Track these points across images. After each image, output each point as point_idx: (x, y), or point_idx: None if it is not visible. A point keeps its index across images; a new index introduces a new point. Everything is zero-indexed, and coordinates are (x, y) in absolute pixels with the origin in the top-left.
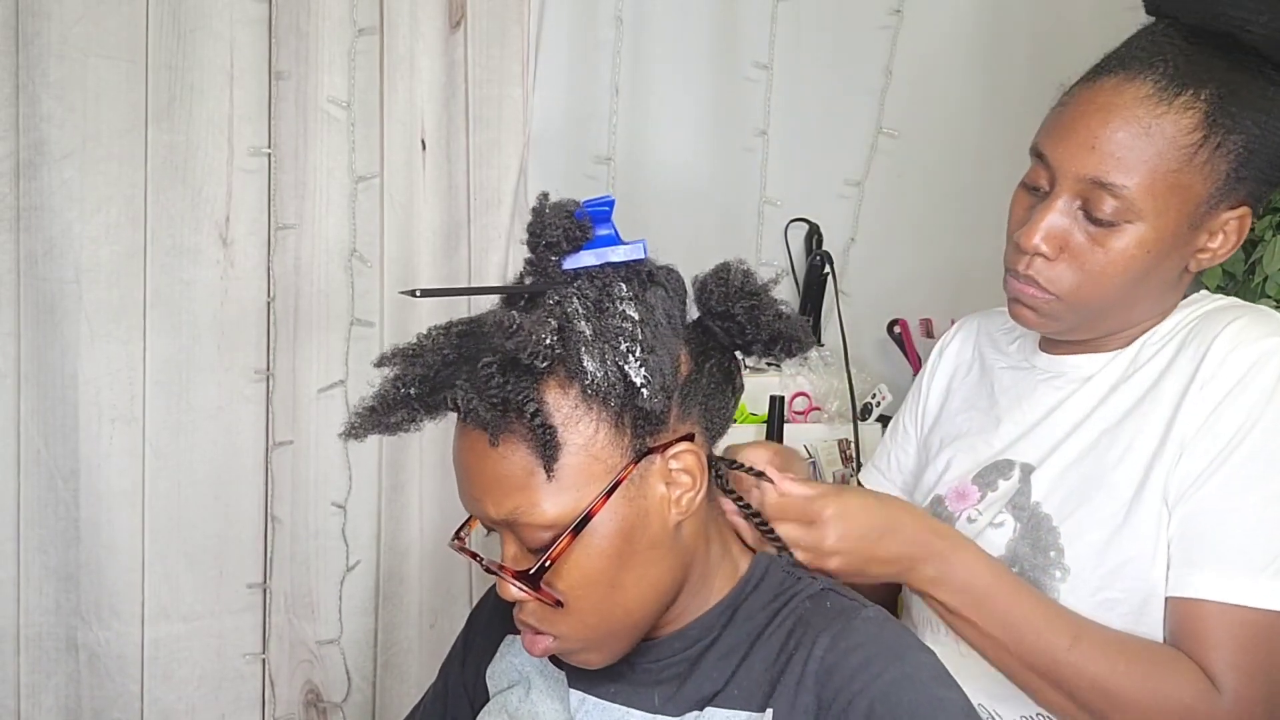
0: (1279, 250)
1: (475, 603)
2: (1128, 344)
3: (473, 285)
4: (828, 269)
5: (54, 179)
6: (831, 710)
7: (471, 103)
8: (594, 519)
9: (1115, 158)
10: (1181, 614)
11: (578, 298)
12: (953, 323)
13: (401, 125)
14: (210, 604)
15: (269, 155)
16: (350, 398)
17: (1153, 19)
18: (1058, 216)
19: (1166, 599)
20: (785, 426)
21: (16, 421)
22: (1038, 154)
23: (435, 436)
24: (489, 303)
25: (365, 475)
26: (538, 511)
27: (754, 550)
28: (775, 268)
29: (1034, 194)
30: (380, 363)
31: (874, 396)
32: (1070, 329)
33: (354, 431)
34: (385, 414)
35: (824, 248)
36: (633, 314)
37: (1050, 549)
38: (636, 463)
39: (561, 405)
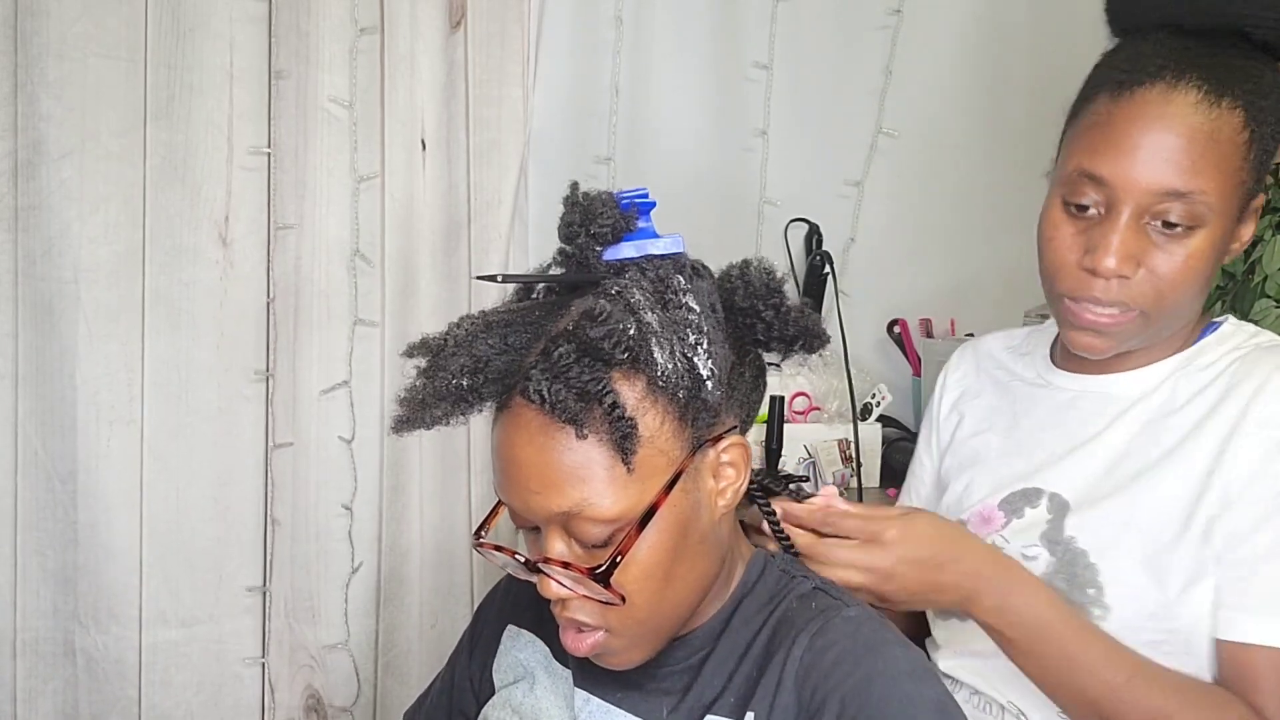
0: (1278, 250)
1: (476, 603)
2: (1150, 363)
3: (473, 290)
4: (828, 269)
5: (52, 178)
6: (808, 710)
7: (472, 103)
8: (657, 512)
9: (1192, 168)
10: (1232, 657)
11: (637, 289)
12: (953, 323)
13: (402, 125)
14: (209, 608)
15: (269, 155)
16: (354, 398)
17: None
18: (1128, 234)
19: (1216, 641)
20: (785, 426)
21: (14, 422)
22: (1089, 175)
23: (435, 438)
24: (486, 300)
25: (366, 477)
26: (604, 505)
27: (755, 546)
28: (776, 267)
29: (1079, 214)
30: (409, 353)
31: (874, 396)
32: (1131, 345)
33: (400, 427)
34: (432, 406)
35: (824, 248)
36: (695, 306)
37: (1089, 586)
38: (694, 455)
39: (629, 397)
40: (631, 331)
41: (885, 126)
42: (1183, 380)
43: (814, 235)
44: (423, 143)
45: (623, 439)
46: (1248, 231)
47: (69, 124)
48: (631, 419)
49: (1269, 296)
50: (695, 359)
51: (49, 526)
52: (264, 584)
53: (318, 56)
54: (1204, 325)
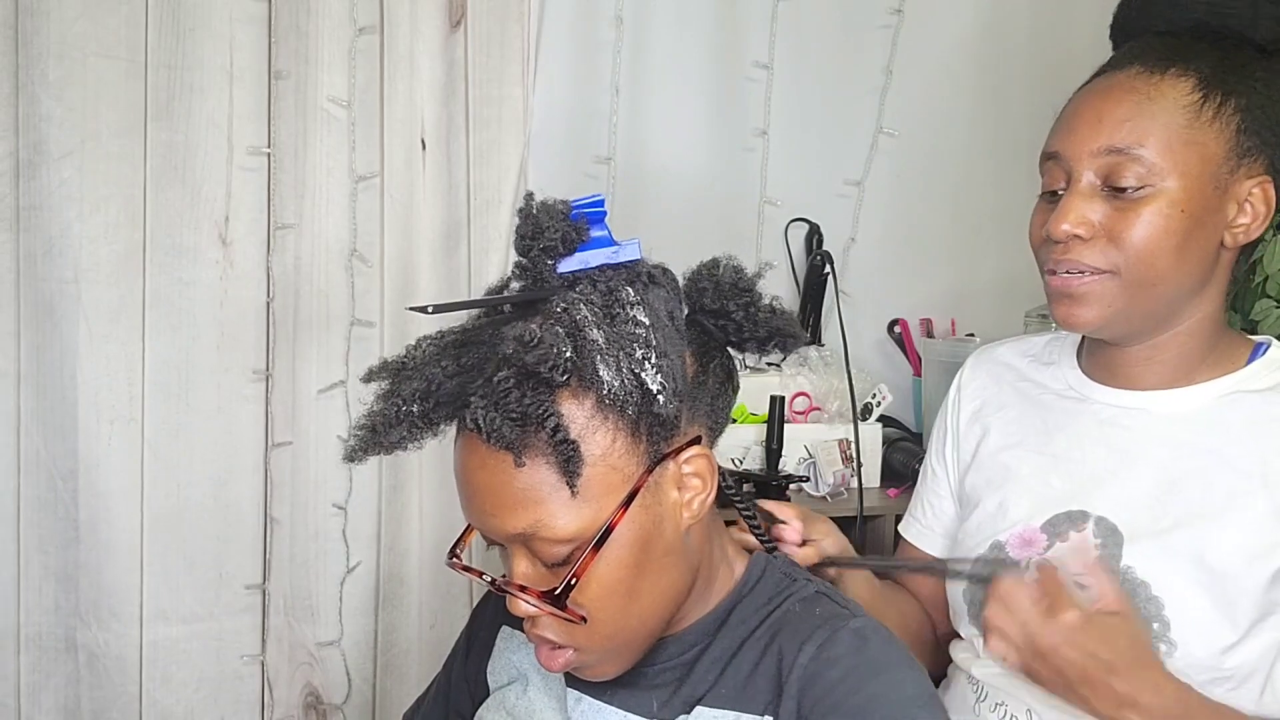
0: (1279, 250)
1: (475, 603)
2: (1193, 383)
3: (473, 289)
4: (828, 269)
5: (53, 178)
6: None
7: (471, 102)
8: (614, 530)
9: (1125, 124)
10: None
11: (584, 304)
12: (953, 323)
13: (401, 125)
14: (209, 606)
15: (268, 155)
16: (350, 398)
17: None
18: (1082, 200)
19: None
20: (785, 426)
21: (16, 421)
22: (1049, 156)
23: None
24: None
25: (365, 476)
26: (558, 526)
27: (749, 552)
28: (777, 268)
29: (1053, 199)
30: (369, 378)
31: (874, 396)
32: (1121, 319)
33: (353, 455)
34: (385, 433)
35: (824, 248)
36: (644, 319)
37: (1153, 620)
38: (651, 470)
39: (577, 416)
40: (568, 353)
41: (885, 126)
42: (1237, 405)
43: (814, 235)
44: (422, 142)
45: (566, 462)
46: (1252, 218)
47: (69, 124)
48: (574, 442)
49: (1269, 296)
50: (643, 374)
51: (51, 524)
52: (263, 582)
53: (317, 56)
54: (1251, 348)
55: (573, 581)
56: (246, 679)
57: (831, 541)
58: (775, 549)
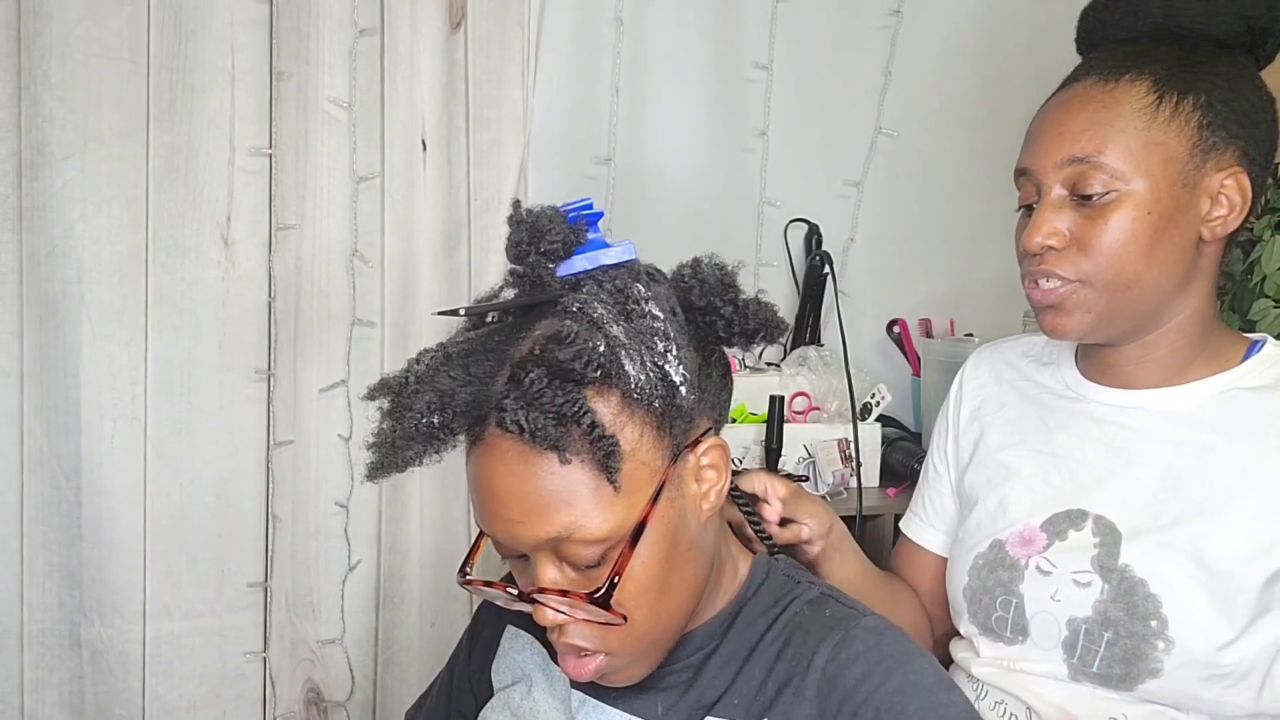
0: (1277, 250)
1: (476, 603)
2: (1189, 381)
3: (473, 290)
4: (827, 269)
5: (56, 179)
6: None
7: (472, 103)
8: (646, 525)
9: (1084, 133)
10: None
11: (598, 302)
12: (952, 323)
13: (402, 125)
14: (211, 602)
15: (270, 156)
16: (351, 397)
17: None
18: (1052, 212)
19: None
20: (785, 426)
21: (20, 420)
22: (1020, 172)
23: None
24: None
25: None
26: (593, 526)
27: (752, 551)
28: (777, 267)
29: (1029, 214)
30: (371, 395)
31: (873, 396)
32: (1105, 324)
33: (373, 474)
34: (405, 448)
35: (824, 248)
36: (658, 313)
37: (1151, 618)
38: (674, 463)
39: (605, 413)
40: (601, 348)
41: (884, 126)
42: (1233, 404)
43: (814, 235)
44: (423, 143)
45: (605, 458)
46: (1229, 210)
47: (72, 126)
48: (612, 437)
49: (1268, 296)
50: (666, 366)
51: (55, 522)
52: (265, 579)
53: (318, 58)
54: (1246, 345)
55: (615, 580)
56: (249, 675)
57: (817, 522)
58: (778, 551)
